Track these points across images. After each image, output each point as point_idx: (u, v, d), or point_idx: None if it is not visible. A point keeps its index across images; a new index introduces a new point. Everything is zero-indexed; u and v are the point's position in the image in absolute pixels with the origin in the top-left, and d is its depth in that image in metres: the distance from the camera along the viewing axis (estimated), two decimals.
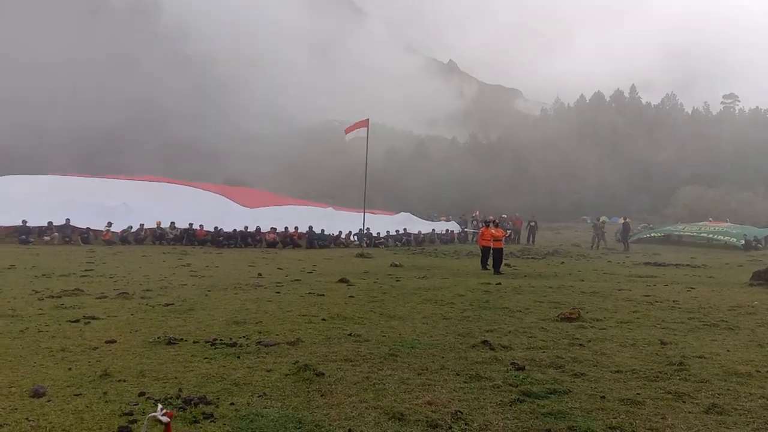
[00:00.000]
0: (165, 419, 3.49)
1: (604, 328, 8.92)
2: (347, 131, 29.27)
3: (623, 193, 79.57)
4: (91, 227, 28.30)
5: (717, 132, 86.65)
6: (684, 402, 5.34)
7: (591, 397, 5.42)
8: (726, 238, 36.08)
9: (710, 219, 47.09)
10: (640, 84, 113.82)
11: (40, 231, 27.07)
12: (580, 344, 7.71)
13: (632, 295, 12.80)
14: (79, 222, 28.06)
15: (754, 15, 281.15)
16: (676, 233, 39.55)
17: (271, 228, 31.20)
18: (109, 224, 27.98)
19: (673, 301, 11.90)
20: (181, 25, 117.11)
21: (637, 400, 5.32)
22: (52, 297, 10.82)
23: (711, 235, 37.35)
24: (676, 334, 8.52)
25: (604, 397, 5.44)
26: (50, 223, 27.23)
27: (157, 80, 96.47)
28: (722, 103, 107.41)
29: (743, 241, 34.47)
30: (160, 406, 3.57)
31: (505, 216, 38.65)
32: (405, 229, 36.32)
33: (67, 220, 27.66)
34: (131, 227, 28.77)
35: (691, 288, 14.62)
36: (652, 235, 40.40)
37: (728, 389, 5.76)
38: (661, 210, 67.08)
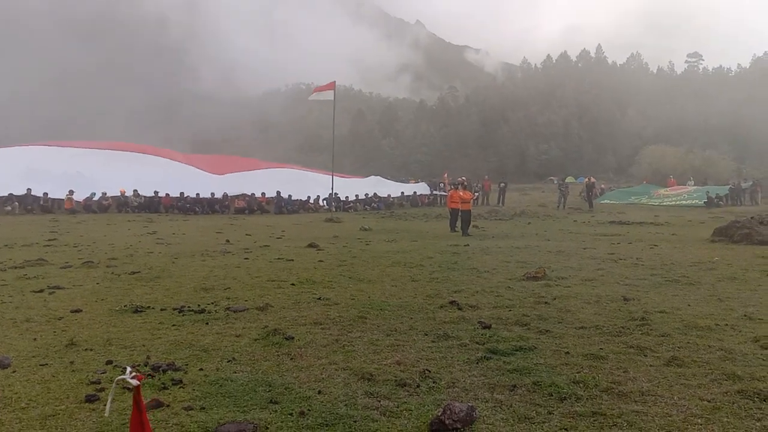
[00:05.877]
0: (134, 382, 3.03)
1: (569, 286, 9.07)
2: (315, 91, 29.06)
3: (589, 153, 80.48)
4: (53, 196, 27.74)
5: (681, 91, 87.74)
6: (645, 356, 5.46)
7: (555, 353, 5.52)
8: (688, 201, 36.55)
9: (671, 177, 47.77)
10: (606, 44, 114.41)
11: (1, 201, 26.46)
12: (546, 302, 7.84)
13: (597, 254, 13.03)
14: (40, 191, 27.46)
15: None
16: (637, 201, 38.50)
17: (242, 193, 31.03)
18: (71, 192, 27.44)
19: (637, 258, 12.15)
20: None
21: (600, 355, 5.43)
22: (15, 267, 10.60)
23: (673, 201, 37.46)
24: (638, 290, 8.71)
25: (568, 352, 5.54)
26: (11, 194, 26.63)
27: (115, 48, 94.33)
28: (686, 62, 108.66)
29: (705, 199, 35.15)
30: (129, 368, 3.17)
31: (464, 178, 38.64)
32: (375, 194, 36.28)
33: (29, 189, 27.03)
34: (94, 194, 28.23)
35: (654, 245, 14.94)
36: (611, 201, 40.00)
37: (688, 342, 5.91)
38: (626, 169, 68.05)
